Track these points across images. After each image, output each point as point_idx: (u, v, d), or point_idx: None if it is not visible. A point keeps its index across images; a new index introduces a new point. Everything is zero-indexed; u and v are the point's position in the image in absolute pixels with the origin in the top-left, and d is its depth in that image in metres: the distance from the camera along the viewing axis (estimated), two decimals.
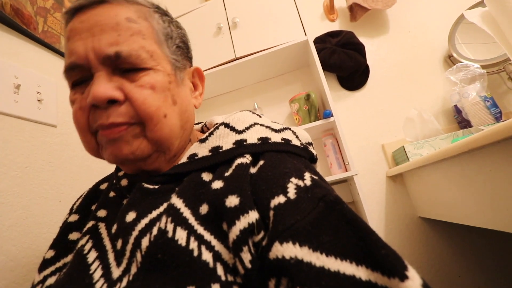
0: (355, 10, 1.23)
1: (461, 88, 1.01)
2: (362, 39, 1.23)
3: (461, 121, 1.03)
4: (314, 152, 0.39)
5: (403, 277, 0.18)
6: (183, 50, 0.39)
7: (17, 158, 0.62)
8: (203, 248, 0.25)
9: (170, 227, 0.26)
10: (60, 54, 0.82)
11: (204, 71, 1.13)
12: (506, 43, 0.71)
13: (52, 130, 0.74)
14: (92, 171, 0.82)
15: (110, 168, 0.48)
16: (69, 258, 0.36)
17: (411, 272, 0.18)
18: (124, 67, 0.31)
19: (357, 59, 1.16)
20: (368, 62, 1.22)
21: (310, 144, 0.41)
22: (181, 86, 0.37)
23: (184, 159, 0.35)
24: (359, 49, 1.18)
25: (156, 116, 0.31)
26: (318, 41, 1.25)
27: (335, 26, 1.32)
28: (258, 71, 1.22)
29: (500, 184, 0.53)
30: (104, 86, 0.30)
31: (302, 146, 0.37)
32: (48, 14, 0.80)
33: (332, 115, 0.98)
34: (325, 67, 1.16)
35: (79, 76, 0.32)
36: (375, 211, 1.07)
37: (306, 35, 1.07)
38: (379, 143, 1.14)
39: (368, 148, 1.15)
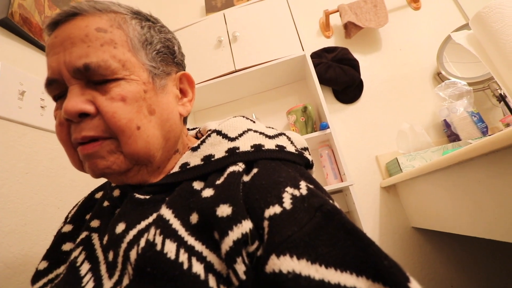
0: (349, 28, 1.29)
1: (450, 104, 1.07)
2: (356, 55, 1.29)
3: (450, 135, 1.08)
4: (310, 158, 0.38)
5: None
6: (166, 55, 0.37)
7: (18, 164, 0.63)
8: (193, 259, 0.24)
9: (158, 239, 0.25)
10: None
11: (204, 81, 1.16)
12: (490, 63, 0.76)
13: (53, 137, 0.74)
14: (90, 178, 0.82)
15: None
16: (61, 269, 0.36)
17: (414, 284, 0.18)
18: (95, 79, 0.30)
19: (351, 74, 1.21)
20: (362, 77, 1.28)
21: (305, 149, 0.40)
22: (160, 94, 0.35)
23: (176, 168, 0.34)
24: (354, 64, 1.24)
25: (128, 129, 0.30)
26: (315, 56, 1.30)
27: (330, 42, 1.38)
28: (257, 83, 1.26)
29: (488, 194, 0.56)
30: (75, 100, 0.29)
31: (297, 152, 0.36)
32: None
33: (328, 127, 1.01)
34: (321, 81, 1.21)
35: (58, 90, 0.32)
36: (370, 221, 1.09)
37: (303, 50, 1.12)
38: (373, 154, 1.18)
39: (363, 159, 1.18)
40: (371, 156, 1.18)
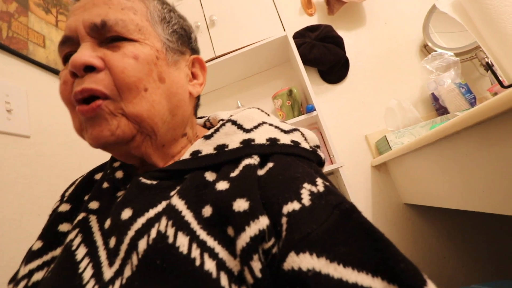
0: (332, 4, 1.24)
1: (437, 76, 1.04)
2: (340, 32, 1.25)
3: (439, 108, 1.06)
4: (322, 155, 0.37)
5: None
6: (182, 37, 0.38)
7: None
8: (205, 256, 0.23)
9: (171, 231, 0.24)
10: (29, 60, 0.78)
11: None
12: (476, 31, 0.73)
13: (25, 141, 0.70)
14: (72, 180, 0.79)
15: None
16: (58, 251, 0.34)
17: (430, 286, 0.18)
18: (109, 35, 0.30)
19: (336, 52, 1.17)
20: (348, 55, 1.24)
21: (318, 147, 0.39)
22: (172, 67, 0.35)
23: (186, 155, 0.33)
24: (338, 42, 1.19)
25: (135, 87, 0.30)
26: (298, 36, 1.25)
27: (313, 20, 1.33)
28: (239, 68, 1.21)
29: (475, 167, 0.55)
30: (83, 53, 0.29)
31: (311, 149, 0.35)
32: (12, 19, 0.76)
33: (315, 109, 0.99)
34: (306, 62, 1.17)
35: (70, 49, 0.32)
36: (362, 200, 1.09)
37: (285, 30, 1.07)
38: (362, 134, 1.16)
39: (352, 139, 1.16)
40: (360, 136, 1.16)
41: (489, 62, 0.97)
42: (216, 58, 1.11)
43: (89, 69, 0.29)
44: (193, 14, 1.16)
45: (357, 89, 1.22)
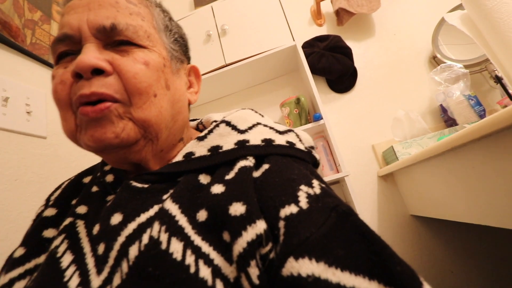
0: (341, 15, 1.26)
1: (446, 88, 1.04)
2: (349, 43, 1.26)
3: (447, 120, 1.06)
4: (317, 156, 0.37)
5: None
6: (182, 45, 0.38)
7: (6, 171, 0.62)
8: (200, 263, 0.22)
9: (164, 237, 0.23)
10: (49, 65, 0.82)
11: None
12: (485, 44, 0.74)
13: (42, 142, 0.73)
14: None
15: None
16: (42, 258, 0.31)
17: None
18: (118, 39, 0.29)
19: (345, 62, 1.19)
20: (356, 65, 1.25)
21: (312, 148, 0.39)
22: (176, 75, 0.35)
23: (179, 157, 0.32)
24: (347, 52, 1.21)
25: (146, 93, 0.29)
26: (307, 45, 1.27)
27: (322, 31, 1.35)
28: (248, 76, 1.24)
29: (483, 180, 0.55)
30: (92, 55, 0.27)
31: (306, 150, 0.34)
32: (36, 26, 0.81)
33: (322, 118, 1.00)
34: (314, 71, 1.18)
35: (67, 48, 0.30)
36: (368, 210, 1.09)
37: (294, 40, 1.09)
38: (369, 143, 1.16)
39: (359, 149, 1.16)
40: (367, 145, 1.16)
41: (499, 75, 0.96)
42: (226, 66, 1.13)
43: (97, 72, 0.28)
44: (206, 23, 1.20)
45: (364, 99, 1.22)
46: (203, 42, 1.18)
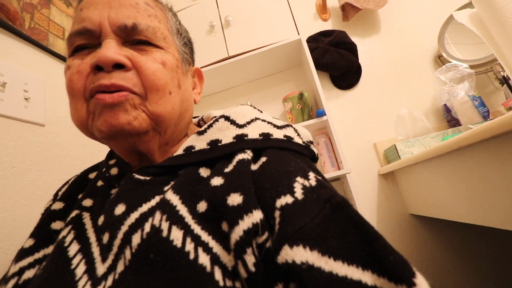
0: (347, 10, 1.24)
1: (450, 88, 1.03)
2: (354, 39, 1.24)
3: (451, 120, 1.05)
4: (315, 151, 0.38)
5: (411, 284, 0.18)
6: (189, 48, 0.41)
7: (3, 158, 0.61)
8: (200, 250, 0.23)
9: (165, 225, 0.24)
10: (48, 51, 0.80)
11: None
12: (493, 43, 0.73)
13: (40, 129, 0.72)
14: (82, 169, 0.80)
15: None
16: (50, 249, 0.34)
17: (419, 279, 0.18)
18: (137, 39, 0.32)
19: (349, 58, 1.17)
20: (360, 61, 1.23)
21: (311, 142, 0.40)
22: (185, 76, 0.38)
23: (180, 151, 0.33)
24: (352, 48, 1.19)
25: (163, 90, 0.32)
26: (311, 40, 1.25)
27: (327, 26, 1.33)
28: (251, 69, 1.22)
29: (487, 181, 0.55)
30: (114, 50, 0.30)
31: (304, 144, 0.35)
32: (35, 11, 0.78)
33: (325, 114, 0.99)
34: (318, 66, 1.17)
35: (85, 41, 0.32)
36: (367, 208, 1.09)
37: (299, 34, 1.07)
38: (371, 141, 1.15)
39: (361, 146, 1.16)
40: (369, 143, 1.15)
41: (505, 76, 0.95)
42: (229, 58, 1.12)
43: (117, 66, 0.30)
44: (209, 14, 1.18)
45: (368, 96, 1.21)
46: (206, 33, 1.16)
